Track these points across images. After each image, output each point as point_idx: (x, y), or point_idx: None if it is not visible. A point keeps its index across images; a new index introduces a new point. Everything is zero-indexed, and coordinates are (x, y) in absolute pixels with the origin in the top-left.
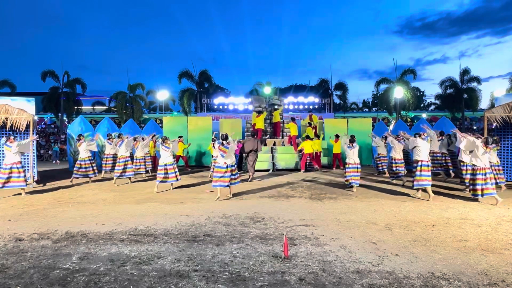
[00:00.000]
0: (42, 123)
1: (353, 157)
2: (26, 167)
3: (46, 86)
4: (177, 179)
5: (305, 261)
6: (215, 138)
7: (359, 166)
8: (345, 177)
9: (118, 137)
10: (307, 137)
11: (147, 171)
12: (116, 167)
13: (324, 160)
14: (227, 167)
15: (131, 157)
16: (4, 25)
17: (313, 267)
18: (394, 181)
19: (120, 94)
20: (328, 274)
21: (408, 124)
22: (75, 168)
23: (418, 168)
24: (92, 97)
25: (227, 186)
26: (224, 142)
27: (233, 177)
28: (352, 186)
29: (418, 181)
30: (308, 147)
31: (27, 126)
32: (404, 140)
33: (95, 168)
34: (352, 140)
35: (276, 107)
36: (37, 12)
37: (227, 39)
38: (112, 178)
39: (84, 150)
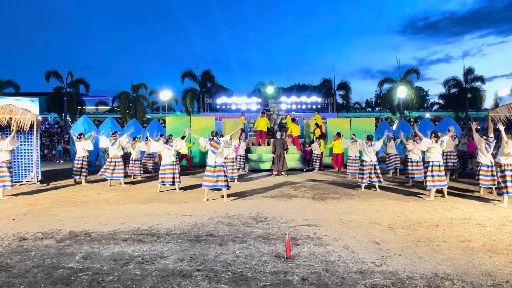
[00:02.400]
0: (46, 123)
1: (369, 155)
2: (30, 167)
3: (50, 86)
4: (179, 181)
5: (307, 261)
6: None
7: (376, 163)
8: (360, 176)
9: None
10: (320, 137)
11: (149, 172)
12: (104, 166)
13: (327, 160)
14: (215, 166)
15: (126, 157)
16: (8, 25)
17: (316, 267)
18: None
19: (123, 94)
20: (331, 274)
21: (412, 124)
22: (74, 168)
23: (430, 168)
24: (95, 97)
25: (216, 187)
26: (215, 137)
27: (224, 178)
28: (360, 186)
29: (431, 182)
30: (337, 147)
31: (31, 126)
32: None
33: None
34: (370, 138)
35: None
36: (41, 13)
37: (230, 39)
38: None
39: (81, 149)
